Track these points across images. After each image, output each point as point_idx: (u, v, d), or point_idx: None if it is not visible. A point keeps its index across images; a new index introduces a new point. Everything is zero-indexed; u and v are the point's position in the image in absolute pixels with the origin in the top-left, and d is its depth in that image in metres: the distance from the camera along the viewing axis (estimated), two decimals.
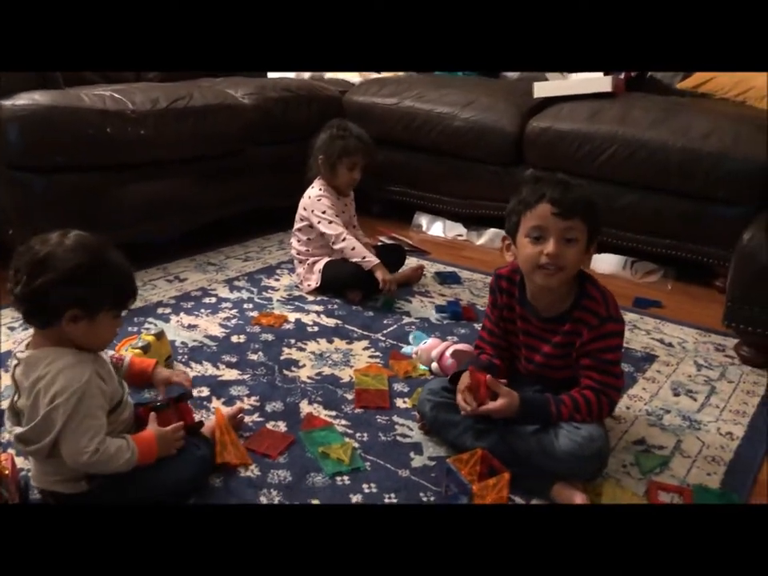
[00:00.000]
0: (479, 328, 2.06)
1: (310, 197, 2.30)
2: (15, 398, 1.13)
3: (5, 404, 1.50)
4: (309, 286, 2.29)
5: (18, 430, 1.12)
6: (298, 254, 2.35)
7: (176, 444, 1.25)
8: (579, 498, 1.27)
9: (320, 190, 2.30)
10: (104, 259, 1.13)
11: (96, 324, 1.13)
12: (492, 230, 2.94)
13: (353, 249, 2.20)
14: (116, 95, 2.22)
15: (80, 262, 1.08)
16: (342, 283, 2.24)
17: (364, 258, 2.20)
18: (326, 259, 2.28)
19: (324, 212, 2.25)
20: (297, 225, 2.34)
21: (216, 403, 1.59)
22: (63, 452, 1.11)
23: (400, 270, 2.43)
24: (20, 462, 1.32)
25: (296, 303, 2.21)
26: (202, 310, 2.11)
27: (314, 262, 2.30)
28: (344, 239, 2.21)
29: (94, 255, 1.11)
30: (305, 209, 2.30)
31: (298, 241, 2.34)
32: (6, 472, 1.17)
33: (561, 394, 1.35)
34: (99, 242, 1.14)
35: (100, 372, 1.16)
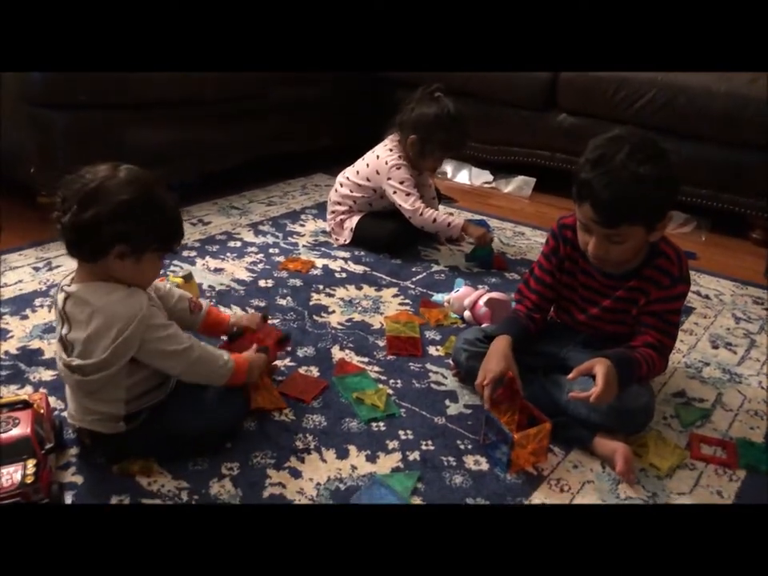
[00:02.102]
0: (509, 276, 2.05)
1: (387, 162, 2.10)
2: (64, 332, 1.10)
3: (8, 345, 1.50)
4: (336, 240, 2.22)
5: (77, 361, 1.08)
6: (338, 203, 2.20)
7: (260, 371, 1.31)
8: (621, 450, 1.23)
9: (399, 157, 2.11)
10: (154, 196, 1.08)
11: (142, 262, 1.09)
12: (520, 178, 2.86)
13: (434, 221, 2.09)
14: None
15: (132, 197, 1.04)
16: (378, 243, 2.15)
17: (449, 224, 2.09)
18: (357, 217, 2.18)
19: (402, 182, 2.09)
20: (355, 178, 2.16)
21: None
22: (167, 366, 1.14)
23: None
24: (53, 401, 1.31)
25: (322, 249, 2.17)
26: (228, 254, 2.07)
27: (344, 220, 2.20)
28: (421, 214, 2.08)
29: (145, 191, 1.06)
30: (377, 172, 2.12)
31: (348, 193, 2.17)
32: (42, 411, 1.15)
33: (612, 348, 1.31)
34: (150, 178, 1.09)
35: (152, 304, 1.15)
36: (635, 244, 1.25)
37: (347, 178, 2.20)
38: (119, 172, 1.06)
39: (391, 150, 2.14)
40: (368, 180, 2.15)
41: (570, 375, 1.23)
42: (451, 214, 2.35)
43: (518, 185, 2.86)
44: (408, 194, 2.09)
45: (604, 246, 1.24)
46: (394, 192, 2.10)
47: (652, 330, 1.31)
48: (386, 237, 2.15)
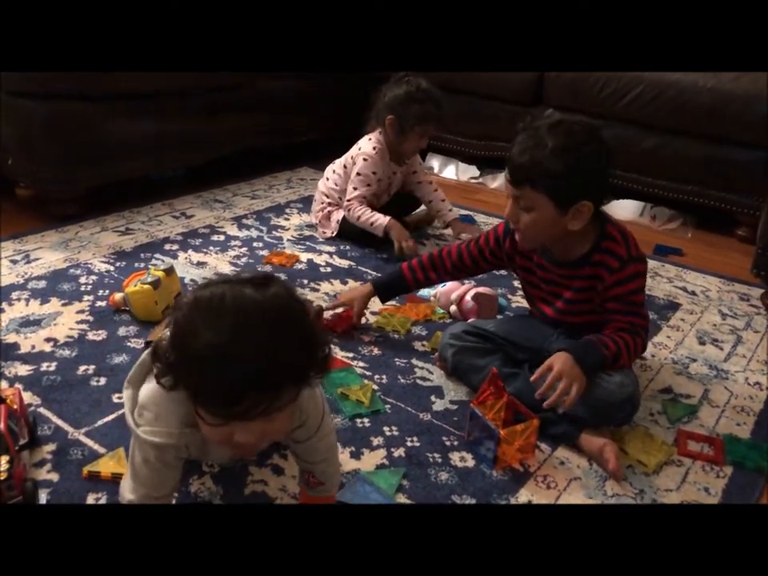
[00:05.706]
0: (495, 272, 2.02)
1: (360, 148, 2.14)
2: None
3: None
4: (324, 233, 2.20)
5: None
6: (326, 195, 2.19)
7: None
8: (608, 447, 1.22)
9: (373, 149, 2.11)
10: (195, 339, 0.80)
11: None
12: None
13: (357, 218, 2.09)
14: None
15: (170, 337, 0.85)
16: (364, 235, 2.12)
17: (372, 224, 2.07)
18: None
19: (359, 174, 2.10)
20: (341, 171, 2.17)
21: None
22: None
23: (414, 213, 2.36)
24: (28, 397, 1.27)
25: (307, 243, 2.14)
26: (211, 248, 2.04)
27: (331, 212, 2.18)
28: (349, 210, 2.09)
29: (188, 339, 0.81)
30: (352, 157, 2.15)
31: (334, 186, 2.17)
32: (15, 407, 1.12)
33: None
34: (211, 318, 0.79)
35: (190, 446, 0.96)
36: (543, 220, 1.25)
37: (333, 171, 2.20)
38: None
39: (370, 140, 2.15)
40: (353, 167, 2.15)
41: (533, 377, 1.24)
42: None
43: (504, 180, 2.84)
44: (354, 188, 2.10)
45: (515, 210, 1.28)
46: (351, 180, 2.11)
47: (618, 314, 1.31)
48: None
